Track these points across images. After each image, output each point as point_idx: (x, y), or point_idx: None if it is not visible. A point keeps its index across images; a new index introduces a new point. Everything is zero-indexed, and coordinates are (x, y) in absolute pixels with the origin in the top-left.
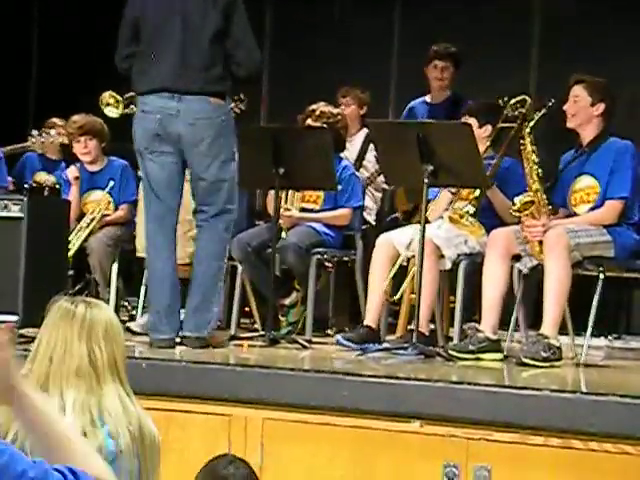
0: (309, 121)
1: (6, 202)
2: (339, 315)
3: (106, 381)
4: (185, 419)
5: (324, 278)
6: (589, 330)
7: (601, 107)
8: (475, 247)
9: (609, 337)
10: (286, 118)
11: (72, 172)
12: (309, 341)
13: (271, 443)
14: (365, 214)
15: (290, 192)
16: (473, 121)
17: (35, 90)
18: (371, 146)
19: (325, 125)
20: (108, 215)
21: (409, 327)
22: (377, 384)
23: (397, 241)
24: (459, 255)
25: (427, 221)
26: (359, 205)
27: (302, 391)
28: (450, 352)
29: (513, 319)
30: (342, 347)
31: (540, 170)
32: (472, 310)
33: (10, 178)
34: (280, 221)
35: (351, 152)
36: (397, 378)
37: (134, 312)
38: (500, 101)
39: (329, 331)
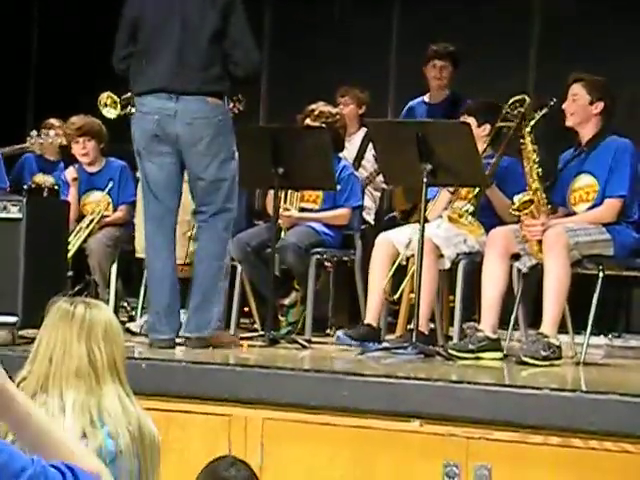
0: (308, 121)
1: (5, 203)
2: (339, 315)
3: (106, 381)
4: (185, 419)
5: (323, 278)
6: (589, 329)
7: (600, 106)
8: (474, 246)
9: (609, 336)
10: (285, 118)
11: (70, 173)
12: (309, 341)
13: (271, 443)
14: (364, 214)
15: (289, 192)
16: (472, 120)
17: (34, 90)
18: (370, 146)
19: (324, 125)
20: (107, 216)
21: (409, 326)
22: (377, 384)
23: (396, 240)
24: (458, 254)
25: (426, 220)
26: (358, 205)
27: (302, 391)
28: (450, 351)
29: (513, 318)
30: (342, 344)
31: (540, 169)
32: (472, 309)
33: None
34: (279, 221)
35: (350, 152)
36: (397, 377)
37: (133, 313)
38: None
39: (329, 331)
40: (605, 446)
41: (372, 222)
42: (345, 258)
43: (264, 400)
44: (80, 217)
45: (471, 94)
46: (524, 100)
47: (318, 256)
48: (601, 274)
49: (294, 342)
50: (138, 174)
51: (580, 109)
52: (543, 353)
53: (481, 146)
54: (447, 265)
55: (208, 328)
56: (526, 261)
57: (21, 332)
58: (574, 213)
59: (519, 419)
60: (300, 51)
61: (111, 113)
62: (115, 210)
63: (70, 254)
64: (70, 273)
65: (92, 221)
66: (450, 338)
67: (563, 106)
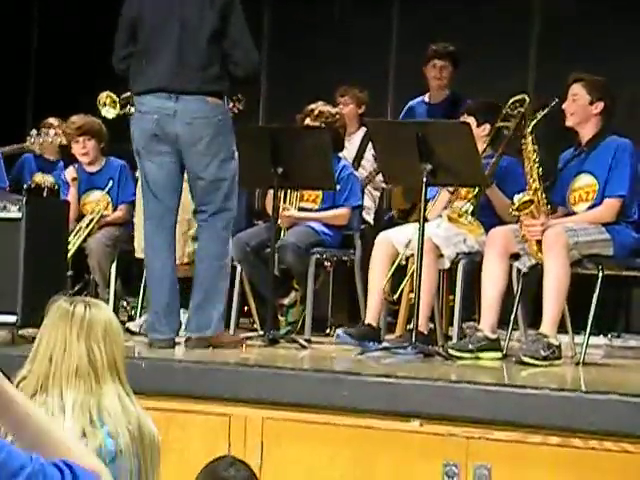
0: (308, 121)
1: (5, 203)
2: (338, 315)
3: (106, 381)
4: (185, 419)
5: (323, 278)
6: (588, 329)
7: (600, 105)
8: (474, 246)
9: (608, 336)
10: (285, 118)
11: (70, 173)
12: (308, 341)
13: (271, 443)
14: (364, 213)
15: (289, 192)
16: (472, 120)
17: (34, 90)
18: (369, 145)
19: (324, 125)
20: (107, 215)
21: (408, 326)
22: (377, 383)
23: (396, 240)
24: (458, 254)
25: (426, 220)
26: (358, 204)
27: (302, 391)
28: (449, 351)
29: (512, 318)
30: (341, 343)
31: (540, 169)
32: (471, 309)
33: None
34: (279, 221)
35: (349, 151)
36: (397, 377)
37: (133, 312)
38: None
39: (328, 331)
40: (605, 446)
41: (372, 222)
42: (345, 258)
43: (264, 400)
44: (80, 217)
45: (471, 94)
46: (524, 100)
47: (318, 256)
48: (601, 274)
49: (294, 342)
50: (137, 174)
51: (580, 109)
52: (543, 353)
53: (481, 146)
54: (447, 265)
55: (209, 328)
56: (526, 261)
57: (21, 331)
58: (574, 213)
59: (519, 419)
60: (300, 51)
61: (110, 113)
62: (115, 210)
63: (70, 254)
64: (70, 273)
65: (92, 221)
66: (450, 338)
67: (563, 106)
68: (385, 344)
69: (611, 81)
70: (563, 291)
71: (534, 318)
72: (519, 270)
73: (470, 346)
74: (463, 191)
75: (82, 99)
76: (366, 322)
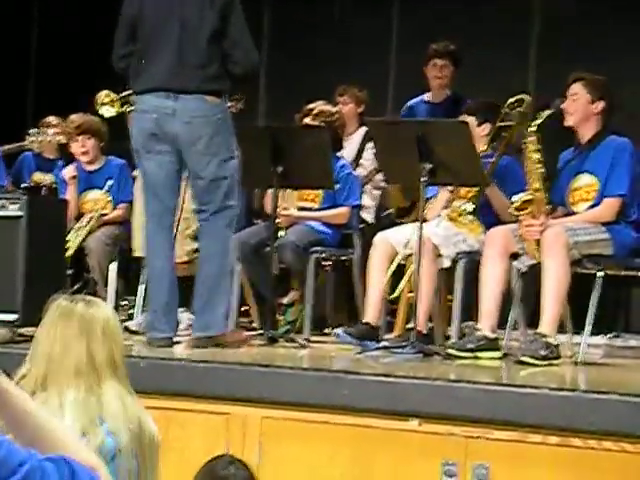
0: (307, 120)
1: (4, 201)
2: (337, 314)
3: (105, 379)
4: (184, 418)
5: (322, 277)
6: (588, 328)
7: (600, 105)
8: (474, 245)
9: (608, 335)
10: (284, 118)
11: (69, 172)
12: (307, 340)
13: (270, 442)
14: (363, 213)
15: (288, 191)
16: (472, 120)
17: (34, 90)
18: (369, 144)
19: (323, 124)
20: (106, 214)
21: (407, 326)
22: (376, 383)
23: (395, 239)
24: (457, 254)
25: (425, 220)
26: (357, 204)
27: (301, 390)
28: (448, 351)
29: (511, 317)
30: (341, 341)
31: (543, 169)
32: (470, 309)
33: (8, 177)
34: (278, 220)
35: (349, 151)
36: (396, 377)
37: (132, 311)
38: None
39: (327, 330)
40: (604, 446)
41: (371, 221)
42: (344, 257)
43: (263, 399)
44: (79, 215)
45: (471, 94)
46: (523, 100)
47: (317, 255)
48: (600, 273)
49: (293, 341)
50: (134, 173)
51: (580, 108)
52: (542, 352)
53: (481, 145)
54: (446, 264)
55: (215, 327)
56: (525, 260)
57: (21, 330)
58: (573, 212)
59: (518, 418)
60: (299, 51)
61: (109, 112)
62: (114, 208)
63: (69, 252)
64: (69, 271)
65: (91, 219)
66: (449, 337)
67: (563, 105)
68: (384, 343)
69: (611, 81)
70: (562, 291)
71: (533, 318)
72: (518, 270)
73: (469, 345)
74: (463, 190)
75: (82, 99)
76: (365, 321)
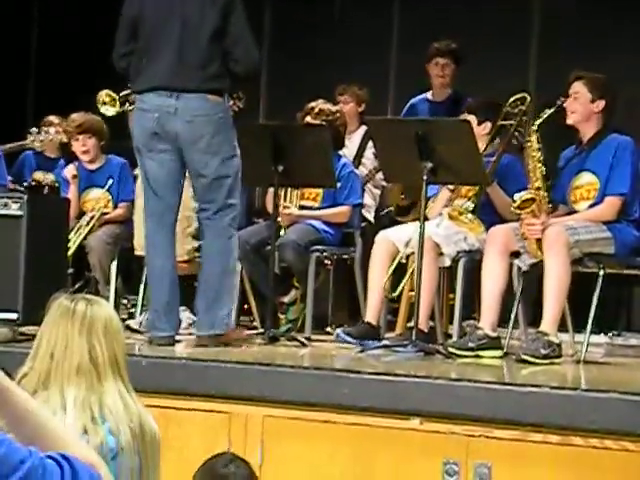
0: (308, 118)
1: (6, 200)
2: (338, 313)
3: (107, 378)
4: (185, 417)
5: (323, 276)
6: (589, 327)
7: (601, 104)
8: (474, 244)
9: (609, 334)
10: (285, 118)
11: (70, 171)
12: (308, 339)
13: (271, 440)
14: (364, 211)
15: (289, 189)
16: (472, 118)
17: (34, 90)
18: (370, 143)
19: (324, 122)
20: (107, 213)
21: (408, 324)
22: (377, 381)
23: (396, 238)
24: (458, 252)
25: (426, 218)
26: (358, 202)
27: (302, 388)
28: (450, 349)
29: (512, 316)
30: (341, 342)
31: (544, 168)
32: (471, 307)
33: (9, 177)
34: (279, 219)
35: (350, 149)
36: (397, 375)
37: (133, 310)
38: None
39: (328, 329)
40: (605, 444)
41: (372, 220)
42: (345, 256)
43: (264, 398)
44: (80, 214)
45: (472, 92)
46: (524, 98)
47: (318, 254)
48: (601, 272)
49: (294, 340)
50: (135, 171)
51: (581, 107)
52: (543, 351)
53: (482, 144)
54: (447, 263)
55: (221, 325)
56: (526, 259)
57: (22, 329)
58: (575, 211)
59: (519, 417)
60: (300, 51)
61: (109, 111)
62: (115, 207)
63: (70, 251)
64: (70, 270)
65: (92, 218)
66: (450, 336)
67: (564, 104)
68: (385, 342)
69: (611, 79)
70: (564, 289)
71: (534, 316)
72: (519, 268)
73: (470, 344)
74: (464, 189)
75: (82, 98)
76: (366, 321)
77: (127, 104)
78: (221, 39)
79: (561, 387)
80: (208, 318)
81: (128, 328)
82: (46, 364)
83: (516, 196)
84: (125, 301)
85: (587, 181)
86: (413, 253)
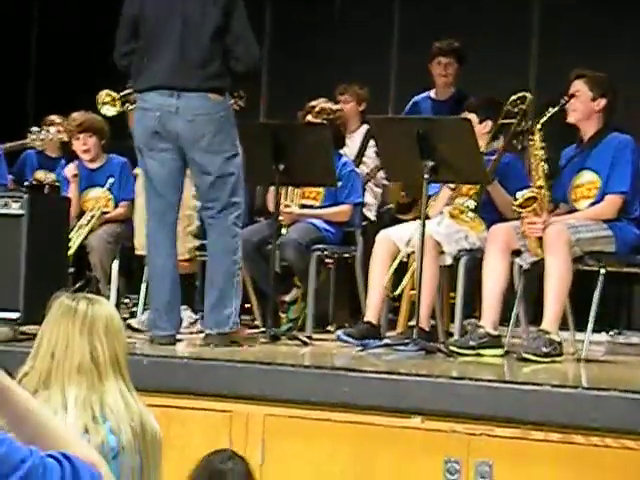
0: (309, 117)
1: (6, 199)
2: (339, 311)
3: (108, 377)
4: (186, 416)
5: (324, 274)
6: (590, 325)
7: (602, 102)
8: (475, 243)
9: (610, 332)
10: (285, 118)
11: (70, 170)
12: (309, 337)
13: (272, 439)
14: (365, 210)
15: (290, 188)
16: (473, 117)
17: (34, 90)
18: (371, 142)
19: (325, 121)
20: (108, 212)
21: (409, 323)
22: (378, 380)
23: (397, 237)
24: (459, 251)
25: (427, 217)
26: (359, 201)
27: (303, 387)
28: (451, 348)
29: (514, 315)
30: (342, 343)
31: (546, 167)
32: (472, 306)
33: (10, 176)
34: (280, 217)
35: (351, 148)
36: (398, 374)
37: (134, 309)
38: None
39: (329, 327)
40: (606, 443)
41: (373, 219)
42: (346, 255)
43: (265, 396)
44: (81, 213)
45: (472, 91)
46: (525, 97)
47: (319, 253)
48: (602, 271)
49: (295, 339)
50: (135, 171)
51: (582, 106)
52: (544, 350)
53: (482, 143)
54: (448, 261)
55: (228, 323)
56: (527, 257)
57: (23, 328)
58: (575, 210)
59: (520, 415)
60: (300, 51)
61: (110, 111)
62: (116, 206)
63: (71, 251)
64: (71, 270)
65: (93, 217)
66: (451, 335)
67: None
68: (386, 341)
69: (611, 76)
70: (565, 288)
71: (535, 315)
72: (520, 267)
73: (471, 343)
74: (465, 188)
75: (82, 98)
76: (366, 320)
77: (127, 104)
78: (222, 38)
79: (562, 385)
80: (215, 316)
81: (129, 327)
82: (47, 363)
83: (518, 194)
84: (126, 300)
85: (588, 180)
86: (414, 252)
